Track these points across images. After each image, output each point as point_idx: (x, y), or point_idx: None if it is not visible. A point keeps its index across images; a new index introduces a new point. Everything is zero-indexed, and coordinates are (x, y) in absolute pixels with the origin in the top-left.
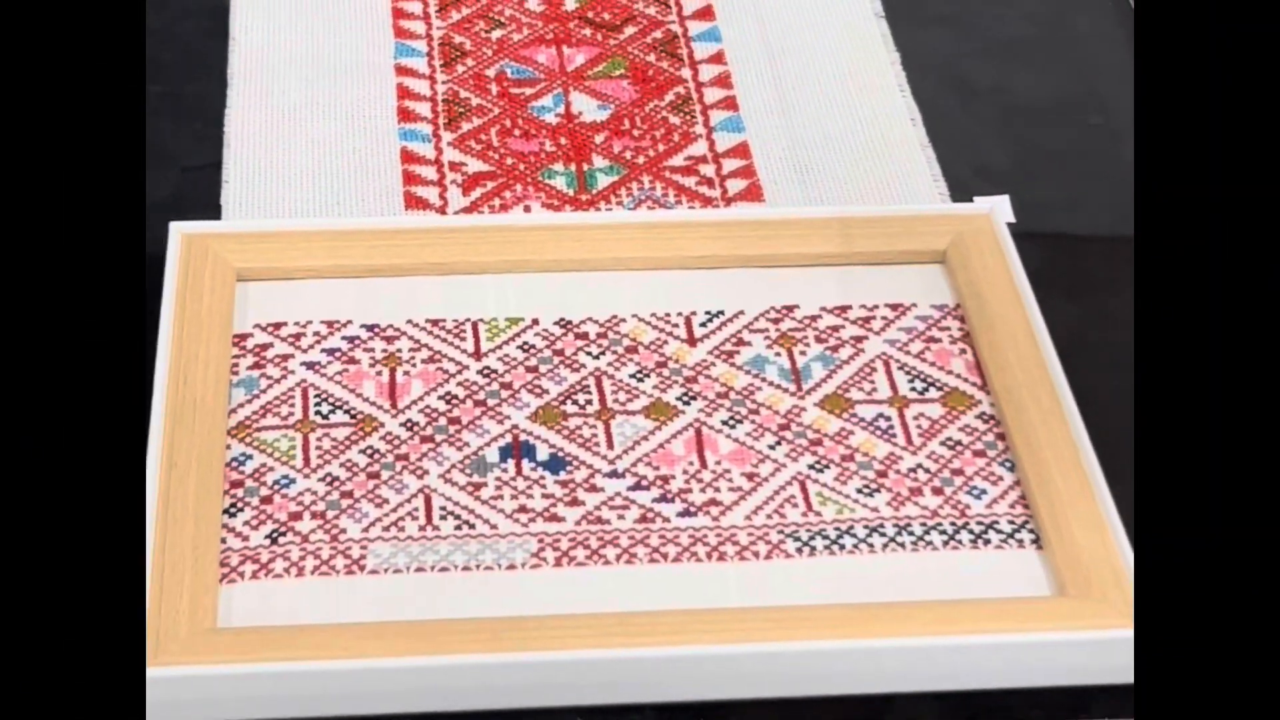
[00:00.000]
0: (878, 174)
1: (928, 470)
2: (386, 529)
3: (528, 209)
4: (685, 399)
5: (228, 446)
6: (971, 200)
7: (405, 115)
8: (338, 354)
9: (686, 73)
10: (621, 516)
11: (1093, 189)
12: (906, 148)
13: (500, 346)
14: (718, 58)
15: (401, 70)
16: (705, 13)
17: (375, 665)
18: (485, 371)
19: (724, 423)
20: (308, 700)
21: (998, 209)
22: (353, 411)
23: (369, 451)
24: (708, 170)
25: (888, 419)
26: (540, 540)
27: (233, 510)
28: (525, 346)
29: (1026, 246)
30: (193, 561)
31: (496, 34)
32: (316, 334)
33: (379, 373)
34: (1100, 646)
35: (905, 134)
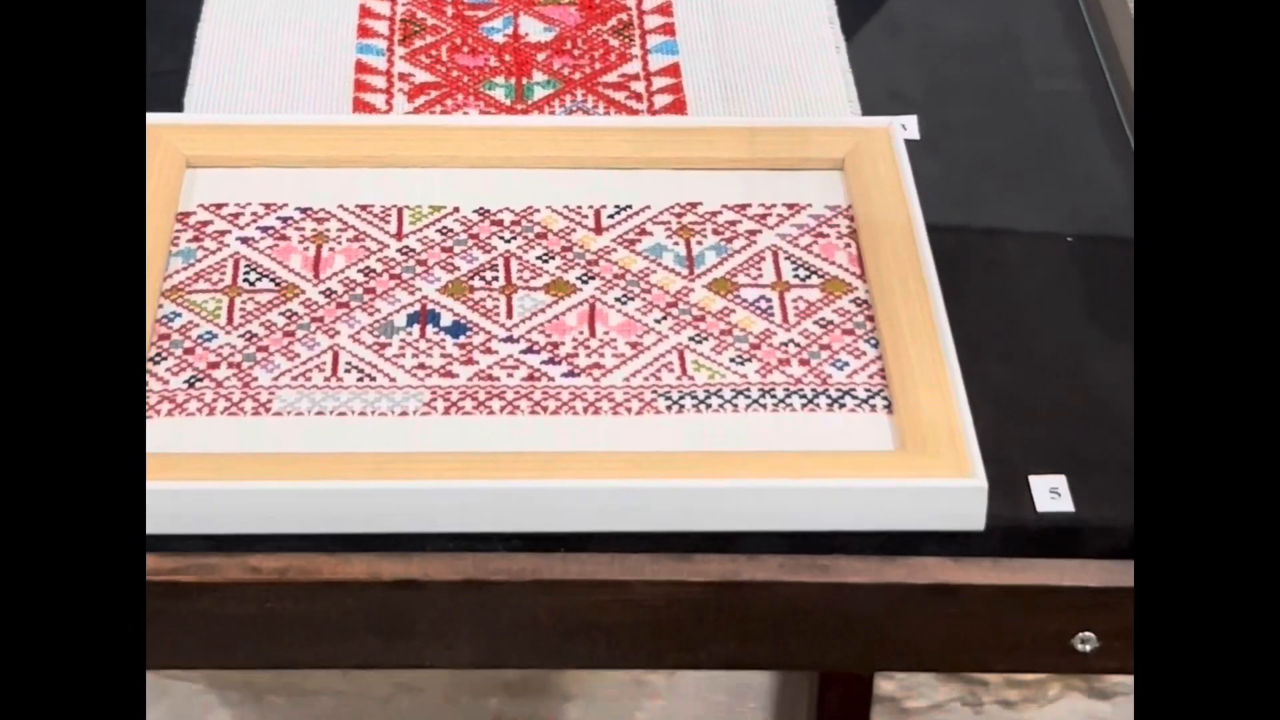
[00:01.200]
0: (797, 94)
1: (798, 344)
2: (295, 379)
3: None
4: (584, 278)
5: (160, 305)
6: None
7: (364, 32)
8: (271, 231)
9: (631, 1)
10: (511, 375)
11: (996, 115)
12: (827, 72)
13: (421, 230)
14: None
15: None
16: None
17: (264, 487)
18: (404, 250)
19: (617, 299)
20: (203, 519)
21: (899, 125)
22: (278, 280)
23: (288, 314)
24: (638, 86)
25: (768, 300)
26: (433, 392)
27: (157, 359)
28: (444, 230)
29: (926, 161)
30: None
31: None
32: (254, 214)
33: (306, 248)
34: (930, 494)
35: (828, 60)
